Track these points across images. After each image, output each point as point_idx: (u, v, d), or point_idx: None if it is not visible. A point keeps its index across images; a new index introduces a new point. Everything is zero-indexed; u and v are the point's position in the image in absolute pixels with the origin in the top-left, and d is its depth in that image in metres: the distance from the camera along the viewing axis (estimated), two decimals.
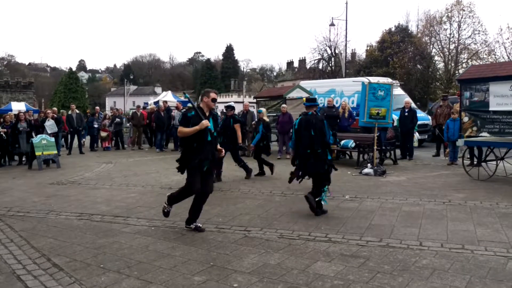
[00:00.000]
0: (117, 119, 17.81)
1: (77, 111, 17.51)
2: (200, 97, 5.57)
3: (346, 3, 29.84)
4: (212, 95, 5.49)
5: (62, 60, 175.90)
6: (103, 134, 17.80)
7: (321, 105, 16.41)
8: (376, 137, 10.49)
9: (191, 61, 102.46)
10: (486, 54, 33.99)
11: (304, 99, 7.61)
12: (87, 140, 18.60)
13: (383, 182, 8.92)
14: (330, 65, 41.94)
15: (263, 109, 11.67)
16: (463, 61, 35.10)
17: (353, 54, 46.81)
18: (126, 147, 18.19)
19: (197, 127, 5.20)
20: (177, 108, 17.37)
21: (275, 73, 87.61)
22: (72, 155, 15.52)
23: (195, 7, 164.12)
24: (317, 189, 6.26)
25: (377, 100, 10.62)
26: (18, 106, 25.39)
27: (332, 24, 33.31)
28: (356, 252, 4.65)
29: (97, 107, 20.81)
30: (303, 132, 6.39)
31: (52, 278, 4.08)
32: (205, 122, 5.21)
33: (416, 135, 14.28)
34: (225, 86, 73.64)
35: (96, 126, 17.64)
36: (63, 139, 17.14)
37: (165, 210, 5.68)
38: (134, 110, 19.33)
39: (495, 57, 32.92)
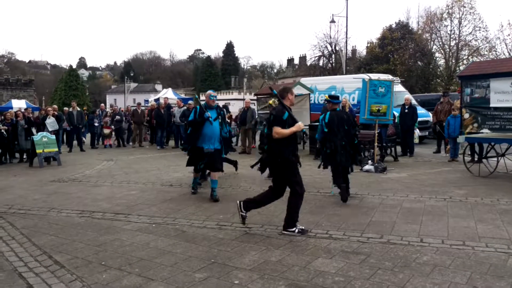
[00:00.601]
0: (117, 117, 17.81)
1: (78, 109, 17.51)
2: (280, 95, 5.33)
3: (347, 0, 29.78)
4: (293, 91, 5.56)
5: (62, 58, 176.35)
6: (106, 131, 17.81)
7: (321, 102, 16.45)
8: (376, 134, 10.48)
9: (192, 58, 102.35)
10: (487, 51, 33.95)
11: (327, 96, 7.75)
12: (87, 137, 18.61)
13: (384, 179, 8.92)
14: (331, 62, 41.84)
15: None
16: (464, 57, 35.06)
17: (354, 51, 46.67)
18: (127, 145, 18.21)
19: (294, 129, 5.13)
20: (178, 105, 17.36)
21: (275, 70, 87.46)
22: (73, 153, 15.53)
23: (195, 4, 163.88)
24: (346, 179, 6.99)
25: (378, 97, 10.63)
26: (18, 104, 25.44)
27: (332, 21, 33.25)
28: (357, 248, 4.65)
29: (102, 104, 20.81)
30: (336, 126, 6.91)
31: (53, 275, 4.09)
32: (301, 124, 5.23)
33: (417, 132, 14.28)
34: (225, 83, 73.58)
35: (96, 124, 17.64)
36: (64, 135, 17.11)
37: (299, 229, 5.20)
38: (134, 108, 19.34)
39: (496, 54, 32.87)
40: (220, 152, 7.34)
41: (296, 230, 5.18)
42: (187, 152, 7.74)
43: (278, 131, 5.11)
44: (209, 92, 7.55)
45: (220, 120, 7.26)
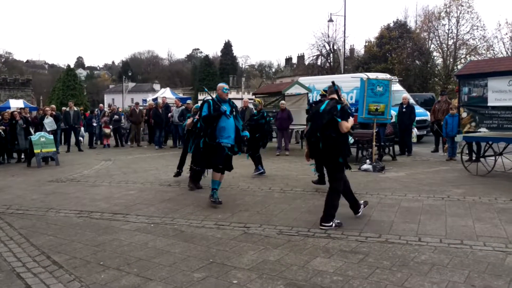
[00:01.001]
0: (116, 116, 17.78)
1: (75, 108, 17.47)
2: (334, 92, 5.47)
3: None
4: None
5: (60, 57, 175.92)
6: (107, 130, 17.78)
7: None
8: (375, 133, 10.49)
9: (190, 57, 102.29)
10: (484, 50, 34.09)
11: (323, 91, 7.57)
12: (85, 137, 18.57)
13: (382, 178, 8.92)
14: (329, 61, 41.89)
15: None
16: (462, 56, 35.16)
17: (352, 50, 46.77)
18: (125, 144, 18.19)
19: (351, 122, 5.31)
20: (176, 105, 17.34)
21: (273, 70, 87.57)
22: (71, 153, 15.51)
23: (193, 3, 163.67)
24: None
25: (376, 96, 10.63)
26: (16, 104, 25.39)
27: (330, 20, 33.29)
28: (355, 248, 4.66)
29: (101, 105, 20.77)
30: None
31: (52, 275, 4.09)
32: (352, 119, 5.40)
33: (415, 131, 14.30)
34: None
35: (95, 124, 17.61)
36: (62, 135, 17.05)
37: (336, 223, 5.38)
38: (132, 107, 19.32)
39: (494, 53, 32.98)
40: (233, 150, 6.79)
41: (333, 225, 5.35)
42: (194, 150, 7.35)
43: (347, 125, 5.18)
44: (222, 84, 6.90)
45: (234, 114, 6.73)
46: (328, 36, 39.95)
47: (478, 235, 4.98)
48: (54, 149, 12.56)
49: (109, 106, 22.86)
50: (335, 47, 40.06)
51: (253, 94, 19.04)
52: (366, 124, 11.87)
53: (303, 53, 52.29)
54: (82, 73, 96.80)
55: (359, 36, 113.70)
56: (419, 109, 16.20)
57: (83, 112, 20.15)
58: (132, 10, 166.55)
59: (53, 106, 17.74)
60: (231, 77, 74.13)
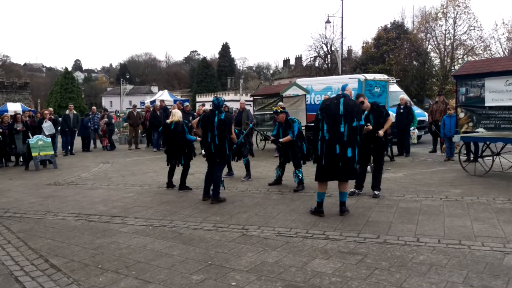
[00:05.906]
0: (105, 119, 17.75)
1: (74, 112, 17.42)
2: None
3: (342, 0, 29.82)
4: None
5: (57, 60, 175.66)
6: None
7: (318, 103, 16.47)
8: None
9: (187, 59, 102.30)
10: (481, 50, 34.22)
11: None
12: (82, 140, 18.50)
13: None
14: (326, 62, 41.96)
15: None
16: (459, 57, 35.27)
17: (349, 51, 46.87)
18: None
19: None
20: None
21: (271, 71, 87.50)
22: (69, 156, 15.48)
23: (191, 5, 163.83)
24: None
25: (374, 97, 10.67)
26: (14, 107, 25.35)
27: (328, 21, 33.35)
28: (353, 249, 4.66)
29: (94, 107, 20.69)
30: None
31: (50, 279, 4.08)
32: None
33: (416, 132, 14.29)
34: (221, 85, 73.53)
35: (92, 128, 17.57)
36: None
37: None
38: (130, 110, 19.26)
39: (491, 53, 33.12)
40: None
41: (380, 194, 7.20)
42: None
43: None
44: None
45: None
46: (326, 38, 40.07)
47: (476, 235, 4.99)
48: (52, 152, 12.54)
49: (105, 110, 22.61)
50: (332, 48, 40.17)
51: (251, 96, 19.01)
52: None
53: (301, 55, 52.48)
54: (79, 76, 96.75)
55: (357, 37, 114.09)
56: (417, 110, 16.20)
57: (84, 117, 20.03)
58: (129, 13, 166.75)
59: (51, 109, 17.67)
60: (229, 79, 74.09)
